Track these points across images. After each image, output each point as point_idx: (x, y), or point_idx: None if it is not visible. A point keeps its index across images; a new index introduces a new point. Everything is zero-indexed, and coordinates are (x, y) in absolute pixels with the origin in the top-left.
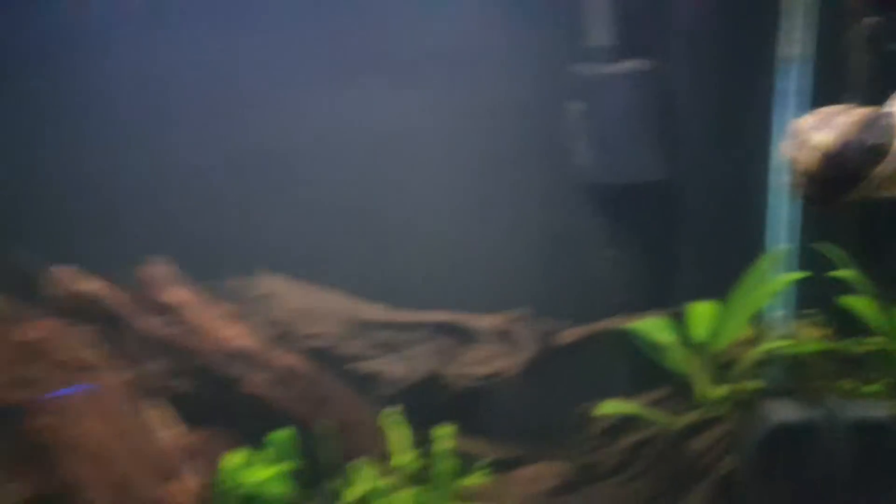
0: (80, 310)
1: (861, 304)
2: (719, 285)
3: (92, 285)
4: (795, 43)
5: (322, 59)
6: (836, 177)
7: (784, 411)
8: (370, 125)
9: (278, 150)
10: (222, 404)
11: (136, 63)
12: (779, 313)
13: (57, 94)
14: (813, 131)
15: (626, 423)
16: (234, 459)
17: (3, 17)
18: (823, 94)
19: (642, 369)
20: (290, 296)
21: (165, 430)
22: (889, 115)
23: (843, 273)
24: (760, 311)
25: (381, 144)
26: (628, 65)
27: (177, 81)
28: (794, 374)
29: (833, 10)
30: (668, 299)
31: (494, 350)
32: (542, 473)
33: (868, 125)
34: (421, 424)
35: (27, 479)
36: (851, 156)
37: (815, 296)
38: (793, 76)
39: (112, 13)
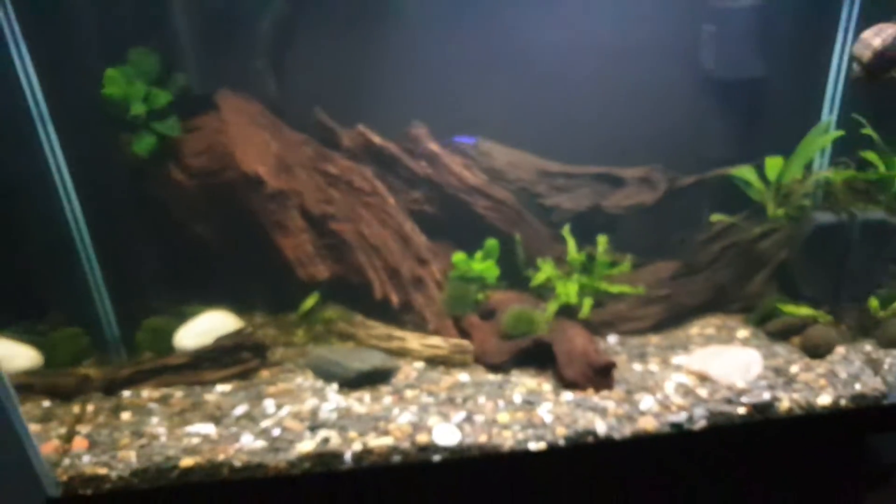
0: (369, 154)
1: (873, 156)
2: (790, 144)
3: (377, 138)
4: None
5: None
6: (880, 65)
7: (823, 217)
8: (567, 40)
9: (504, 55)
10: (452, 223)
11: None
12: (822, 161)
13: None
14: (871, 37)
15: (716, 236)
16: (460, 256)
17: None
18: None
19: (735, 201)
20: (500, 154)
21: (419, 235)
22: None
23: (867, 131)
24: (811, 160)
25: (578, 49)
26: (743, 2)
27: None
28: (829, 197)
29: None
30: (754, 154)
31: (636, 190)
32: (661, 268)
33: None
34: (584, 239)
35: (331, 263)
36: (892, 53)
37: (844, 151)
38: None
39: None
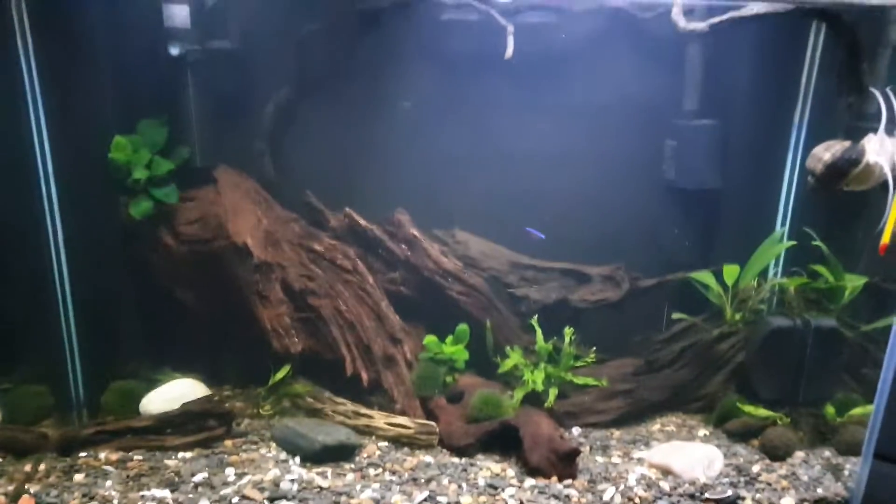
0: (353, 235)
1: (822, 269)
2: (746, 252)
3: (363, 220)
4: (802, 112)
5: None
6: (831, 176)
7: (778, 321)
8: (549, 144)
9: (485, 155)
10: (427, 305)
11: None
12: (776, 269)
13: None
14: (822, 152)
15: (676, 336)
16: (431, 338)
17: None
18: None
19: (693, 303)
20: (475, 244)
21: (394, 315)
22: (861, 146)
23: (817, 243)
24: (766, 268)
25: (552, 156)
26: (703, 121)
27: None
28: (783, 304)
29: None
30: (713, 261)
31: (601, 287)
32: (624, 364)
33: (850, 149)
34: (551, 330)
35: (305, 336)
36: (840, 165)
37: (798, 261)
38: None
39: None
